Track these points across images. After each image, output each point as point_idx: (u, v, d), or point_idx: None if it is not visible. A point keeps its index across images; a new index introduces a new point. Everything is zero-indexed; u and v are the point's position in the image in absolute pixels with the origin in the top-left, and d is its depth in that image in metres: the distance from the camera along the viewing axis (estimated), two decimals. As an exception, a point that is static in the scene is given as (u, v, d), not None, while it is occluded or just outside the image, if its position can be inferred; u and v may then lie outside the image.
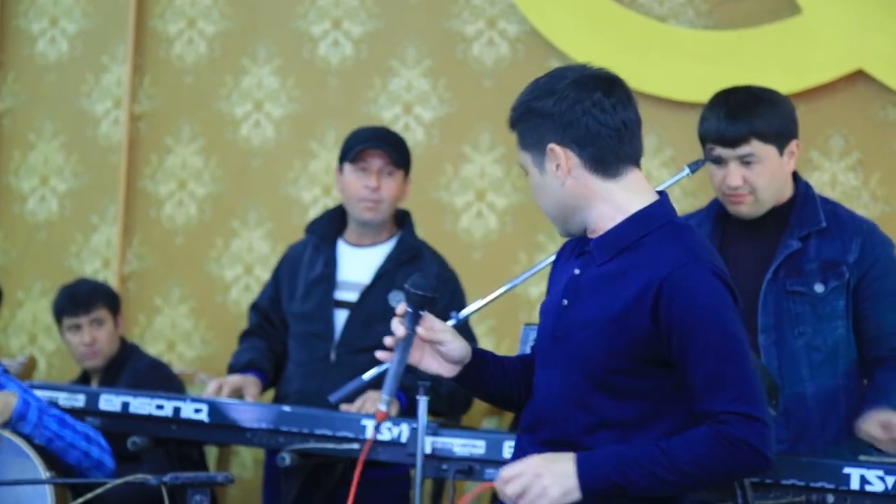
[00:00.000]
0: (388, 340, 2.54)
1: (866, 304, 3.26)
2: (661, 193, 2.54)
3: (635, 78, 4.76)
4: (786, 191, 3.33)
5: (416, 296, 2.50)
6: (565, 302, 2.49)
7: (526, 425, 2.56)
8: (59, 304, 4.58)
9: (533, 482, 2.36)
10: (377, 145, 3.94)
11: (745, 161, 3.25)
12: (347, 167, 3.97)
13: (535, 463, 2.38)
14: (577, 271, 2.51)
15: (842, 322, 3.26)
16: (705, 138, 3.32)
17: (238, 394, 3.89)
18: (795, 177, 3.36)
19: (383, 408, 2.47)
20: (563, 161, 2.47)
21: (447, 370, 2.55)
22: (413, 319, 2.50)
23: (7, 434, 3.28)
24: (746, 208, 3.30)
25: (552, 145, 2.47)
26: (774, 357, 3.25)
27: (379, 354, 2.54)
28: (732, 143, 3.24)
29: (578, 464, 2.37)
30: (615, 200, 2.49)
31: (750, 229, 3.35)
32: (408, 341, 2.50)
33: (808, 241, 3.27)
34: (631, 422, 2.43)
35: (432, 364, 2.57)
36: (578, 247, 2.57)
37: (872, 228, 3.33)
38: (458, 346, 2.54)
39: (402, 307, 2.51)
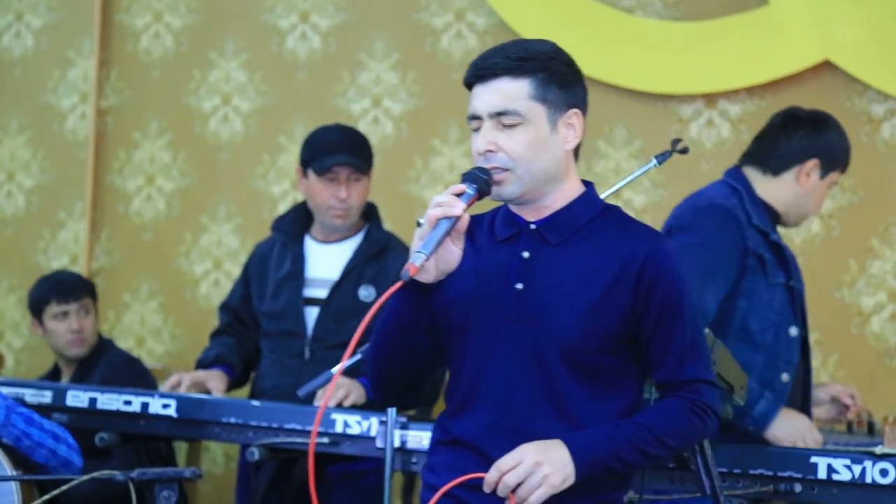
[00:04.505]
0: (436, 212, 2.36)
1: None
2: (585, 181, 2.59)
3: (603, 69, 4.83)
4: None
5: (481, 179, 2.43)
6: (520, 286, 2.48)
7: (478, 430, 2.48)
8: (44, 292, 4.47)
9: (533, 471, 2.36)
10: (346, 161, 3.88)
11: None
12: (313, 175, 3.91)
13: (532, 451, 2.38)
14: (525, 254, 2.50)
15: None
16: None
17: (202, 389, 3.86)
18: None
19: (417, 262, 2.32)
20: (577, 128, 2.50)
21: (432, 274, 2.41)
22: (467, 202, 2.40)
23: (-27, 432, 3.25)
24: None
25: (577, 110, 2.50)
26: None
27: (422, 220, 2.39)
28: None
29: (572, 450, 2.39)
30: (576, 180, 2.55)
31: None
32: (453, 221, 2.38)
33: None
34: (591, 398, 2.46)
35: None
36: (500, 232, 2.53)
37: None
38: (458, 256, 2.43)
39: (461, 187, 2.41)
